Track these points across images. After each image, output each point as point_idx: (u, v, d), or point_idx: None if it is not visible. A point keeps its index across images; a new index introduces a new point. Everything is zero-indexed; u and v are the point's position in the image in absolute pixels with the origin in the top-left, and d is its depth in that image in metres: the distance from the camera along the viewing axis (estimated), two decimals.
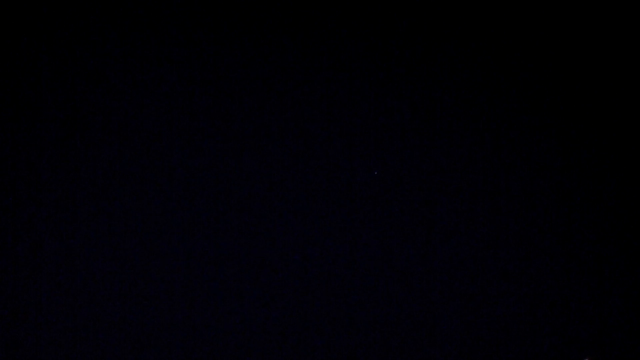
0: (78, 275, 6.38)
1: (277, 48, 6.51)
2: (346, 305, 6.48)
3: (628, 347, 6.37)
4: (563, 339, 6.39)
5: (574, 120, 6.47)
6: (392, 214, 6.53)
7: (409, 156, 6.52)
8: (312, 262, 6.51)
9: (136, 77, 6.46)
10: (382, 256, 6.52)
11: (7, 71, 6.35)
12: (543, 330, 6.41)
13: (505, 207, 6.49)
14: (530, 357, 6.39)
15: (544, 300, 6.43)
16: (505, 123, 6.50)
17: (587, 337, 6.39)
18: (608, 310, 6.40)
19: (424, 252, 6.51)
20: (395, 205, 6.53)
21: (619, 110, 6.47)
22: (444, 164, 6.51)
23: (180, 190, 6.48)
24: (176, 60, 6.47)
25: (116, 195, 6.42)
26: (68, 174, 6.40)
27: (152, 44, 6.45)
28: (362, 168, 6.54)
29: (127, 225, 6.42)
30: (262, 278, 6.50)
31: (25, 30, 6.38)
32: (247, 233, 6.52)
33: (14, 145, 6.33)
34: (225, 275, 6.50)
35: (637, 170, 6.44)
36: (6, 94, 6.34)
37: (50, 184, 6.38)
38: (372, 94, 6.53)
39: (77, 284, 6.38)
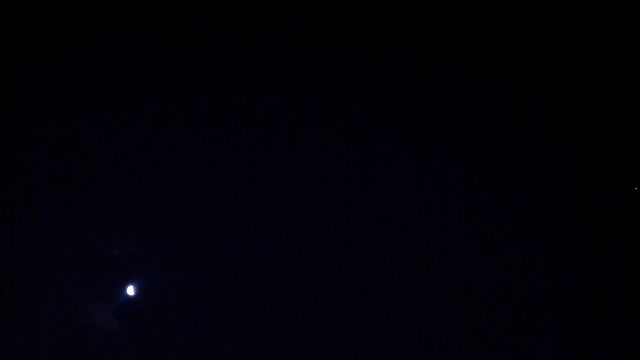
0: (76, 276, 6.37)
1: (278, 50, 6.49)
2: (345, 307, 6.48)
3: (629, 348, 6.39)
4: (563, 341, 6.41)
5: (575, 124, 6.48)
6: (393, 216, 6.52)
7: (410, 159, 6.52)
8: (312, 265, 6.50)
9: (134, 77, 6.44)
10: (382, 259, 6.53)
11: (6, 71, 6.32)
12: (543, 333, 6.42)
13: (506, 212, 6.49)
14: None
15: (544, 305, 6.43)
16: (505, 127, 6.50)
17: (588, 339, 6.40)
18: (608, 313, 6.40)
19: (424, 254, 6.51)
20: (396, 207, 6.53)
21: (620, 113, 6.48)
22: (445, 168, 6.50)
23: (178, 191, 6.46)
24: (176, 61, 6.45)
25: (114, 195, 6.40)
26: (66, 175, 6.37)
27: (151, 45, 6.43)
28: (362, 171, 6.54)
29: (125, 224, 6.40)
30: (263, 280, 6.49)
31: (23, 30, 6.35)
32: (246, 235, 6.51)
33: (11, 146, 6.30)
34: (223, 276, 6.49)
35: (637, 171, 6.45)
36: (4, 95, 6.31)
37: (48, 184, 6.34)
38: (373, 98, 6.52)
39: (76, 284, 6.37)
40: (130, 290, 6.33)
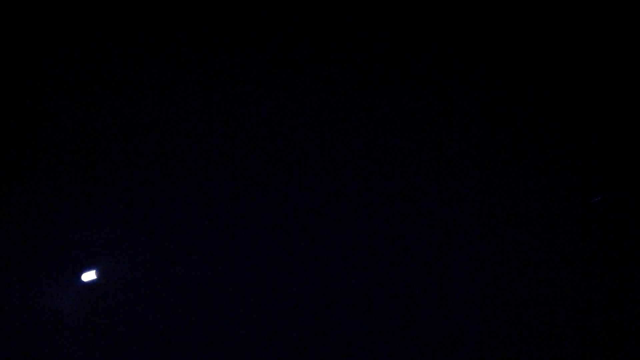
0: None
1: (288, 50, 6.50)
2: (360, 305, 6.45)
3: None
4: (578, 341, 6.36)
5: (591, 120, 6.45)
6: (407, 214, 6.50)
7: (423, 156, 6.51)
8: (324, 263, 6.48)
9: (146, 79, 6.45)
10: (395, 256, 6.51)
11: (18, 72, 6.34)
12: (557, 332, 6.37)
13: (520, 209, 6.47)
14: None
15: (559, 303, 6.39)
16: (520, 124, 6.49)
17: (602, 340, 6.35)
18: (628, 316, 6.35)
19: (438, 253, 6.49)
20: (409, 205, 6.51)
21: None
22: (460, 164, 6.49)
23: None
24: (190, 63, 6.46)
25: (122, 194, 6.39)
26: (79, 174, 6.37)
27: (165, 48, 6.45)
28: (376, 168, 6.52)
29: (131, 225, 6.40)
30: (278, 279, 6.48)
31: (38, 33, 6.38)
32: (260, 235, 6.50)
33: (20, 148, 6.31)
34: (234, 277, 6.49)
35: None
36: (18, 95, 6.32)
37: (63, 185, 6.34)
38: (384, 98, 6.52)
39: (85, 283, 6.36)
40: (90, 276, 6.28)
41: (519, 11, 6.42)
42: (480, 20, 6.43)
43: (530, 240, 6.47)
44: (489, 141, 6.50)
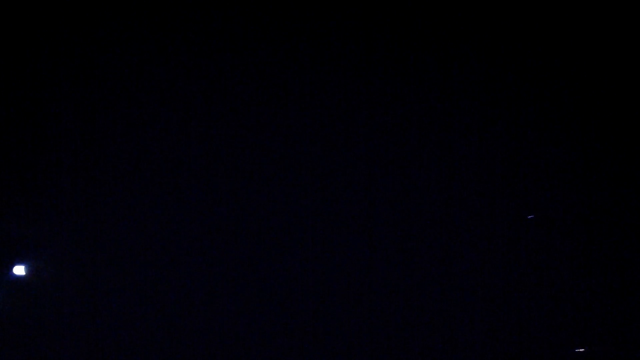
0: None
1: (293, 52, 6.47)
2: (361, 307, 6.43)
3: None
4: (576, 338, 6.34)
5: (589, 123, 6.44)
6: (407, 214, 6.49)
7: (424, 158, 6.48)
8: (325, 266, 6.46)
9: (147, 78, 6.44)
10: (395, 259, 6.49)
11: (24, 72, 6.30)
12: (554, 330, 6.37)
13: (519, 212, 6.45)
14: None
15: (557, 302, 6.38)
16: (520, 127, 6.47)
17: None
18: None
19: (437, 255, 6.48)
20: (409, 205, 6.49)
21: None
22: (461, 165, 6.46)
23: (191, 193, 6.44)
24: (192, 64, 6.43)
25: (121, 195, 6.38)
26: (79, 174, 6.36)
27: (167, 48, 6.42)
28: (378, 170, 6.49)
29: (131, 225, 6.38)
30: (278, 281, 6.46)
31: (43, 34, 6.35)
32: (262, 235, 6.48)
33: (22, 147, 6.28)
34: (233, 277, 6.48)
35: None
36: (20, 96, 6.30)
37: (62, 182, 6.33)
38: (388, 96, 6.50)
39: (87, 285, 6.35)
40: (20, 270, 6.22)
41: (518, 11, 6.41)
42: (480, 21, 6.43)
43: (530, 240, 6.47)
44: (490, 142, 6.49)
